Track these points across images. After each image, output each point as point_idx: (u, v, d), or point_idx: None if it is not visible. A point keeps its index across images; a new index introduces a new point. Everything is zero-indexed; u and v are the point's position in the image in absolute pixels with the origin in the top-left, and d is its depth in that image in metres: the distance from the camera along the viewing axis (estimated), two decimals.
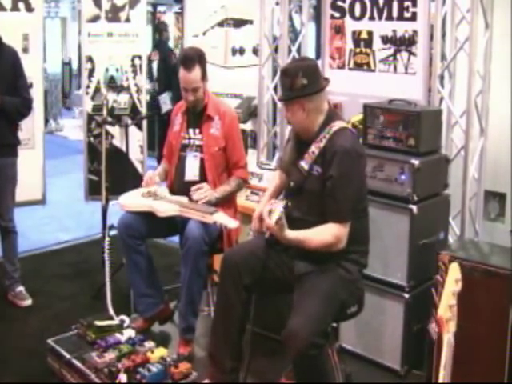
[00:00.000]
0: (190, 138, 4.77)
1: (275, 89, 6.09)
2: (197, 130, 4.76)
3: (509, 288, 3.61)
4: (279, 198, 3.95)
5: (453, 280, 2.57)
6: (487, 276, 3.67)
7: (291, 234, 3.44)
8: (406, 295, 4.27)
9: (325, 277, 3.55)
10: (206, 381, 3.94)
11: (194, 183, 4.63)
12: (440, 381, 2.49)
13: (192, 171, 4.71)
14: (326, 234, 3.50)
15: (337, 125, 3.63)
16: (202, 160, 4.71)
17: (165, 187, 4.81)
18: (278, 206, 3.31)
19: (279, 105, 6.01)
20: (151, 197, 4.61)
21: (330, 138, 3.59)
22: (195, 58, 4.60)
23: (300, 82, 3.56)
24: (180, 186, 4.72)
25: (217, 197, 4.53)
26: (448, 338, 2.51)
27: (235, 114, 4.98)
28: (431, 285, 4.14)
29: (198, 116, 4.77)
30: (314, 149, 3.62)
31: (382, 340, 4.43)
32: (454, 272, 2.60)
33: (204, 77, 4.65)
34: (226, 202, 4.67)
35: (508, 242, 4.58)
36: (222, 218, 4.27)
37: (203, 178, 4.67)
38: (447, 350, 2.51)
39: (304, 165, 3.64)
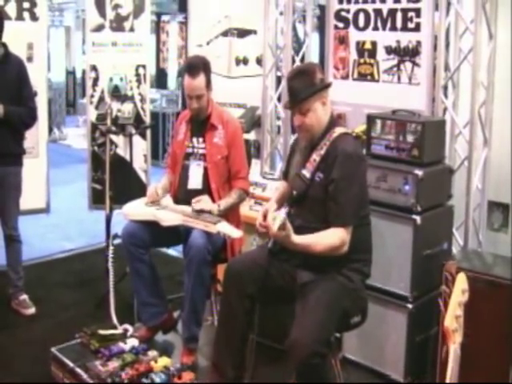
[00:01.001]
0: (193, 147, 4.77)
1: (279, 99, 6.10)
2: (200, 139, 4.76)
3: (509, 298, 3.62)
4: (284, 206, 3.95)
5: (459, 290, 2.57)
6: (490, 286, 3.68)
7: (297, 239, 3.42)
8: (410, 306, 4.26)
9: (327, 285, 3.56)
10: None
11: (197, 192, 4.63)
12: None
13: (195, 180, 4.71)
14: (330, 237, 3.50)
15: (337, 131, 3.67)
16: (205, 169, 4.71)
17: (168, 196, 4.81)
18: (281, 213, 3.31)
19: (282, 115, 6.02)
20: (155, 206, 4.62)
21: (331, 143, 3.62)
22: (200, 65, 4.62)
23: (319, 77, 3.65)
24: (183, 195, 4.72)
25: (220, 209, 4.52)
26: (454, 349, 2.50)
27: (239, 123, 4.99)
28: (435, 295, 4.16)
29: (201, 125, 4.77)
30: (316, 157, 3.65)
31: (384, 350, 4.42)
32: (461, 282, 2.60)
33: (208, 85, 4.66)
34: (230, 212, 4.66)
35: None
36: (226, 228, 4.27)
37: (206, 186, 4.68)
38: (453, 360, 2.50)
39: (306, 173, 3.67)
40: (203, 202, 4.47)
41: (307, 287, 3.58)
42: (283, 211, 3.34)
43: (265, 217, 3.75)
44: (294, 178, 3.80)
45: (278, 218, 3.30)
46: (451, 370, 2.51)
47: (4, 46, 5.18)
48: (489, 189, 4.78)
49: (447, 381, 2.49)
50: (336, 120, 3.81)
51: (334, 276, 3.61)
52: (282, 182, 4.21)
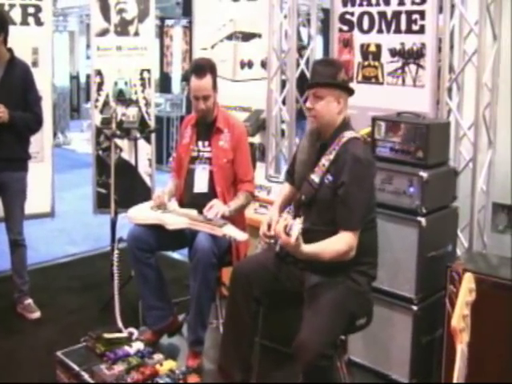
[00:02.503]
0: (199, 151, 4.78)
1: (283, 102, 6.10)
2: (206, 143, 4.77)
3: None
4: (288, 209, 3.94)
5: (466, 290, 2.57)
6: (496, 288, 3.67)
7: (307, 249, 3.37)
8: (415, 307, 4.26)
9: (334, 289, 3.56)
10: None
11: (203, 195, 4.65)
12: None
13: (201, 183, 4.71)
14: (338, 243, 3.50)
15: (347, 135, 3.67)
16: (211, 172, 4.72)
17: (174, 200, 4.82)
18: (296, 224, 3.23)
19: (287, 118, 6.02)
20: (160, 210, 4.63)
21: (340, 147, 3.63)
22: (206, 66, 4.63)
23: (343, 76, 3.69)
24: (189, 199, 4.73)
25: (230, 210, 4.53)
26: (461, 349, 2.50)
27: (244, 127, 5.00)
28: (440, 297, 4.16)
29: (207, 128, 4.78)
30: (324, 161, 3.65)
31: (390, 353, 4.42)
32: (468, 282, 2.60)
33: (215, 86, 4.67)
34: (235, 215, 4.65)
35: None
36: (232, 231, 4.28)
37: (212, 190, 4.68)
38: (460, 359, 2.50)
39: (315, 178, 3.66)
40: (215, 208, 4.45)
41: (315, 290, 3.58)
42: (298, 222, 3.26)
43: (269, 226, 3.77)
44: (302, 182, 3.79)
45: (294, 229, 3.23)
46: (458, 370, 2.50)
47: (10, 51, 5.19)
48: (493, 191, 4.78)
49: (454, 380, 2.48)
50: (348, 124, 3.80)
51: (342, 279, 3.61)
52: (285, 183, 4.21)
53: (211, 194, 4.67)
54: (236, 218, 4.63)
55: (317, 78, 3.70)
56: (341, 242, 3.50)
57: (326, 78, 3.65)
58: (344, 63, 3.89)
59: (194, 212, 4.54)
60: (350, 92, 3.77)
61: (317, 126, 3.76)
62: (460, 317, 2.50)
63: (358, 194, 3.55)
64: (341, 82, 3.68)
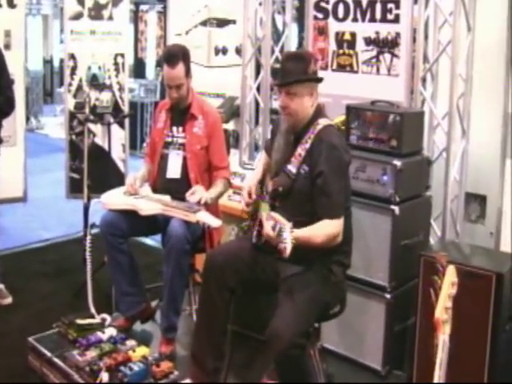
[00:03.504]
0: (173, 136, 4.77)
1: (258, 89, 6.10)
2: (180, 128, 4.76)
3: (489, 289, 3.65)
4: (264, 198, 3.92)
5: (449, 283, 2.60)
6: (469, 277, 3.69)
7: (299, 233, 3.27)
8: (388, 296, 4.29)
9: (309, 278, 3.56)
10: (187, 380, 3.94)
11: (176, 181, 4.66)
12: (435, 381, 2.51)
13: (174, 169, 4.70)
14: (327, 227, 3.48)
15: (321, 123, 3.66)
16: (184, 158, 4.71)
17: (147, 186, 4.80)
18: (286, 231, 3.14)
19: (262, 105, 6.01)
20: (133, 195, 4.61)
21: (315, 136, 3.62)
22: (179, 54, 4.60)
23: (313, 69, 3.64)
24: (162, 184, 4.73)
25: (212, 198, 4.53)
26: (443, 339, 2.54)
27: (218, 114, 4.98)
28: (412, 286, 4.19)
29: (182, 114, 4.77)
30: (300, 151, 3.63)
31: (363, 340, 4.45)
32: (451, 275, 2.63)
33: (188, 73, 4.65)
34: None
35: (488, 244, 4.63)
36: (205, 217, 4.28)
37: (185, 176, 4.68)
38: (442, 350, 2.54)
39: (292, 168, 3.65)
40: (198, 193, 4.44)
41: (290, 280, 3.57)
42: (289, 226, 3.17)
43: (250, 195, 3.78)
44: (278, 173, 3.76)
45: (287, 237, 3.12)
46: (440, 360, 2.54)
47: None
48: (466, 180, 4.81)
49: (436, 370, 2.51)
50: (321, 111, 3.78)
51: (317, 268, 3.61)
52: (263, 153, 4.21)
53: (184, 180, 4.67)
54: (210, 205, 4.62)
55: (288, 76, 3.64)
56: (330, 226, 3.49)
57: (298, 74, 3.60)
58: (312, 53, 3.86)
59: (167, 198, 4.53)
60: (320, 80, 3.75)
61: (292, 122, 3.73)
62: (443, 309, 2.53)
63: (336, 181, 3.55)
64: (312, 75, 3.65)
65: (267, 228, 3.26)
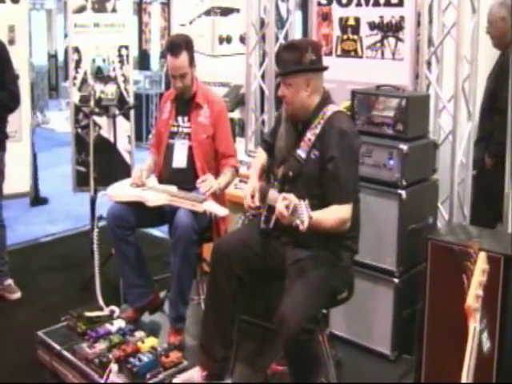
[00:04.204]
0: (178, 126, 4.77)
1: (262, 77, 6.08)
2: (185, 118, 4.76)
3: (498, 271, 3.62)
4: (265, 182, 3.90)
5: (480, 270, 2.57)
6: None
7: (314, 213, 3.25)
8: (396, 280, 4.27)
9: (317, 263, 3.55)
10: (196, 369, 3.93)
11: (181, 171, 4.65)
12: (464, 371, 2.48)
13: (180, 158, 4.70)
14: (338, 211, 3.48)
15: (330, 108, 3.65)
16: (190, 148, 4.70)
17: (153, 177, 4.79)
18: (302, 208, 3.13)
19: (267, 92, 5.99)
20: (140, 187, 4.60)
21: (326, 121, 3.60)
22: (182, 44, 4.59)
23: (309, 57, 3.57)
24: (168, 174, 4.72)
25: (221, 188, 4.53)
26: (474, 328, 2.51)
27: (224, 103, 4.98)
28: (420, 270, 4.17)
29: (186, 104, 4.76)
30: (310, 136, 3.62)
31: (372, 325, 4.44)
32: (482, 262, 2.61)
33: (192, 63, 4.64)
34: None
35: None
36: (212, 207, 4.27)
37: (191, 165, 4.67)
38: (473, 339, 2.51)
39: (301, 153, 3.63)
40: (208, 182, 4.44)
41: (297, 265, 3.56)
42: (304, 204, 3.16)
43: (253, 197, 3.75)
44: (287, 156, 3.76)
45: (304, 213, 3.11)
46: (471, 349, 2.50)
47: None
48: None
49: (466, 359, 2.48)
50: (329, 98, 3.76)
51: (324, 254, 3.60)
52: (260, 151, 4.17)
53: (190, 169, 4.66)
54: (217, 194, 4.61)
55: (282, 65, 3.67)
56: (341, 211, 3.48)
57: (292, 64, 3.59)
58: (312, 41, 3.83)
59: (173, 188, 4.53)
60: (318, 70, 3.69)
61: (291, 111, 3.73)
62: (475, 297, 2.51)
63: (347, 167, 3.54)
64: (307, 65, 3.59)
65: (281, 207, 3.21)
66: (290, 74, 3.62)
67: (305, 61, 3.57)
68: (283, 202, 3.21)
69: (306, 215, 3.10)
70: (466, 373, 2.48)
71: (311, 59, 3.58)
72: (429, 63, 4.85)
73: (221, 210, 4.28)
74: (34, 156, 7.51)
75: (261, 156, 4.13)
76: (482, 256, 2.63)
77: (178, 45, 4.59)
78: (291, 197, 3.22)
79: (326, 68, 3.71)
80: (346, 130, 3.57)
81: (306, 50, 3.57)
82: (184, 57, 4.57)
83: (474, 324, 2.52)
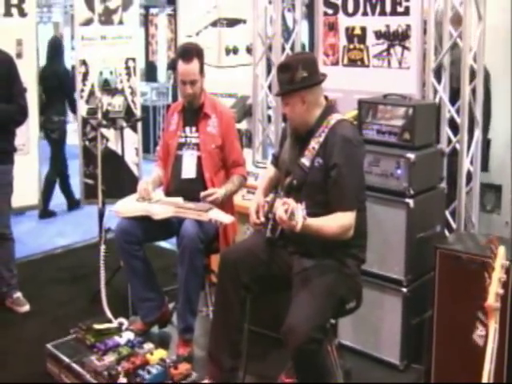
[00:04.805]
0: (186, 137, 4.76)
1: (269, 87, 6.08)
2: (193, 128, 4.75)
3: (507, 278, 3.60)
4: (273, 193, 3.91)
5: (500, 265, 2.55)
6: (485, 268, 3.65)
7: (310, 221, 3.31)
8: (404, 289, 4.25)
9: (324, 272, 3.54)
10: (205, 380, 3.92)
11: (190, 181, 4.65)
12: (485, 374, 2.45)
13: (189, 169, 4.69)
14: (340, 219, 3.49)
15: (334, 117, 3.65)
16: (199, 158, 4.70)
17: (159, 190, 4.79)
18: (299, 209, 3.18)
19: (273, 103, 5.99)
20: (146, 200, 4.59)
21: (329, 130, 3.61)
22: (193, 51, 4.63)
23: (300, 75, 3.59)
24: (176, 185, 4.71)
25: (223, 194, 4.53)
26: (495, 328, 2.49)
27: (232, 114, 5.03)
28: (428, 279, 4.16)
29: (194, 114, 4.76)
30: (314, 144, 3.63)
31: (380, 335, 4.42)
32: (502, 256, 2.58)
33: (202, 71, 4.66)
34: (225, 201, 4.64)
35: (504, 233, 4.58)
36: (217, 215, 4.28)
37: (200, 175, 4.66)
38: (493, 340, 2.48)
39: (305, 161, 3.64)
40: (213, 194, 4.47)
41: (304, 274, 3.57)
42: (301, 207, 3.19)
43: (257, 213, 3.77)
44: (292, 166, 3.77)
45: (298, 214, 3.16)
46: (491, 350, 2.47)
47: None
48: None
49: (487, 361, 2.45)
50: (332, 107, 3.77)
51: (332, 263, 3.60)
52: (269, 167, 4.20)
53: (199, 179, 4.66)
54: (225, 204, 4.61)
55: (279, 86, 3.76)
56: (343, 218, 3.49)
57: (285, 84, 3.65)
58: (305, 56, 3.85)
59: (179, 200, 4.52)
60: (315, 84, 3.70)
61: (294, 126, 3.79)
62: (495, 295, 2.48)
63: (350, 173, 3.55)
64: (298, 84, 3.61)
65: (280, 212, 3.23)
66: (284, 94, 3.69)
67: (296, 79, 3.60)
68: (283, 206, 3.24)
69: (300, 216, 3.14)
70: (487, 375, 2.46)
71: (302, 77, 3.60)
72: (435, 71, 4.84)
73: (226, 218, 4.30)
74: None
75: (269, 171, 4.15)
76: (502, 250, 2.61)
77: (190, 51, 4.63)
78: (290, 201, 3.24)
79: (320, 81, 3.72)
80: (350, 137, 3.58)
81: (296, 69, 3.60)
82: (195, 63, 4.59)
83: (495, 325, 2.49)
